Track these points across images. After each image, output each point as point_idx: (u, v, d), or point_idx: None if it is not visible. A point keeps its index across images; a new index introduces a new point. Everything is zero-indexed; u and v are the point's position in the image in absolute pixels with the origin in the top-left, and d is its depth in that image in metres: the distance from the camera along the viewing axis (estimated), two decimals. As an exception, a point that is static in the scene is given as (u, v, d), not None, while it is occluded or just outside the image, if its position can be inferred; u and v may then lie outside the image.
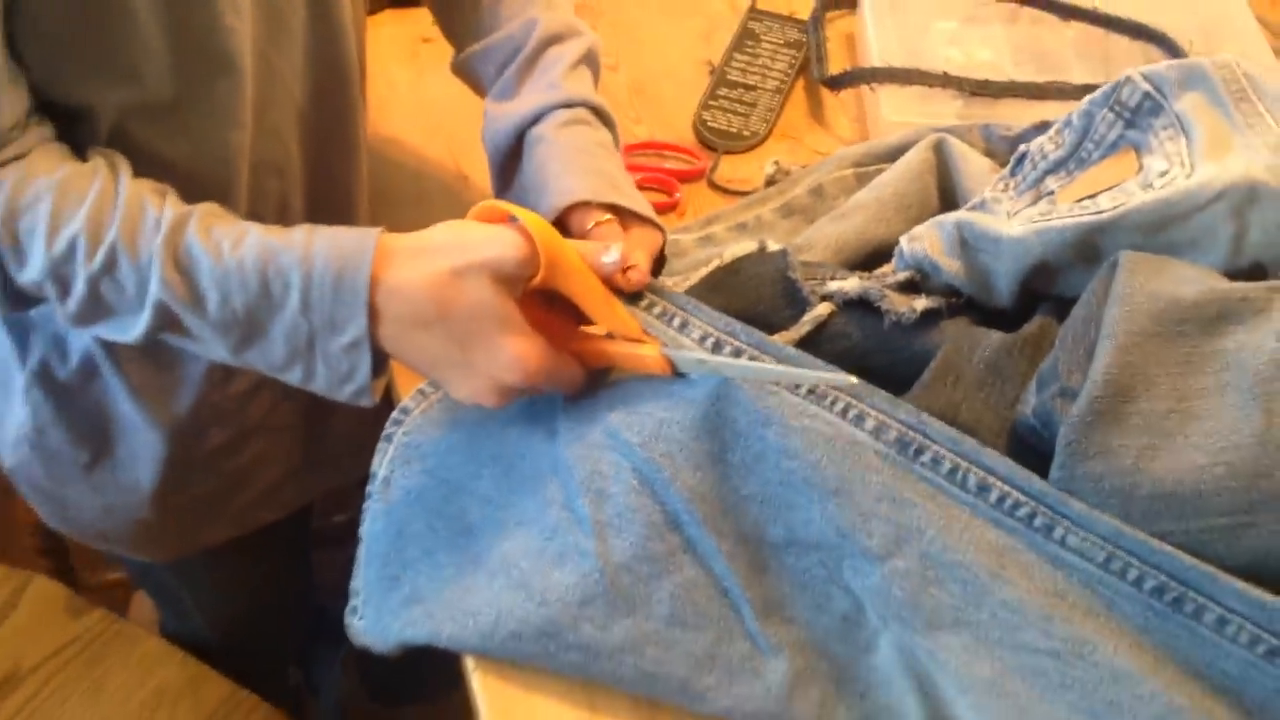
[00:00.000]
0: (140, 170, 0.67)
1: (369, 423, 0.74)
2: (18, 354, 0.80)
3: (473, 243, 0.63)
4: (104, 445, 0.83)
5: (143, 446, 0.82)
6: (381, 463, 0.74)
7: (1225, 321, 0.60)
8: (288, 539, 1.06)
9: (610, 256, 0.67)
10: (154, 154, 0.69)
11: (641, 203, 0.71)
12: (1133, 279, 0.62)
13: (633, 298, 0.69)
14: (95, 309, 0.65)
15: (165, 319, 0.64)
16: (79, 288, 0.63)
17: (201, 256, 0.63)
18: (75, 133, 0.67)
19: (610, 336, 0.69)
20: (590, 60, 0.78)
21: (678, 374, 0.67)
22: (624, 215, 0.70)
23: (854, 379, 0.61)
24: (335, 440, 0.92)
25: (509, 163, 0.76)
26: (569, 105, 0.74)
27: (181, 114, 0.69)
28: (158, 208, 0.64)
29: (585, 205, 0.69)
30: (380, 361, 0.65)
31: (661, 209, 0.92)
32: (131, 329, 0.65)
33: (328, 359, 0.64)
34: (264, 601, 1.10)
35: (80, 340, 0.78)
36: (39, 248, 0.63)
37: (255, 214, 0.75)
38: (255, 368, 0.67)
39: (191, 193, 0.67)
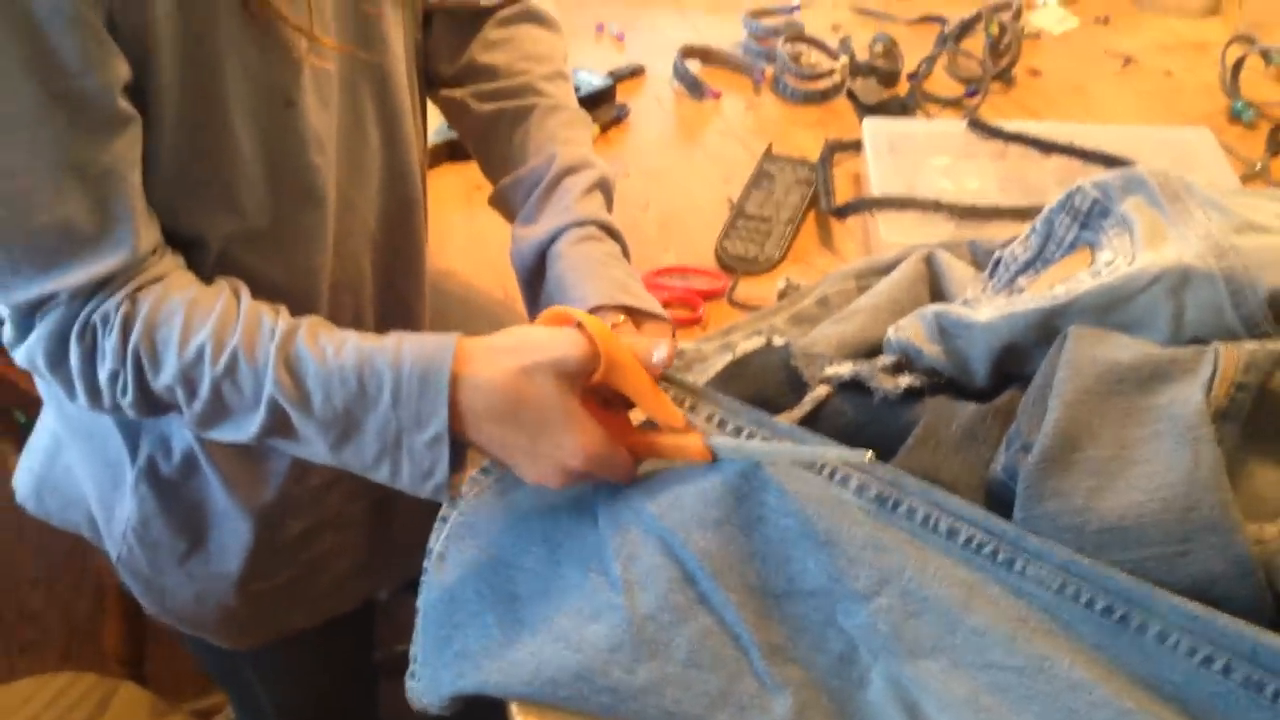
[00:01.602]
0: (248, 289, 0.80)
1: (429, 519, 0.84)
2: (129, 452, 0.92)
3: (540, 343, 0.74)
4: (199, 535, 0.94)
5: (232, 536, 0.93)
6: (437, 540, 0.84)
7: (1157, 380, 0.70)
8: (355, 634, 1.15)
9: (660, 354, 0.76)
10: (251, 276, 0.81)
11: (650, 300, 0.83)
12: (1078, 347, 0.72)
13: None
14: (217, 410, 0.75)
15: (277, 418, 0.74)
16: (204, 390, 0.74)
17: (309, 359, 0.74)
18: (188, 258, 0.80)
19: (657, 428, 0.78)
20: (603, 186, 0.90)
21: (715, 460, 0.76)
22: (635, 314, 0.81)
23: (868, 453, 0.70)
24: (399, 536, 1.02)
25: (534, 279, 0.88)
26: (580, 224, 0.86)
27: (275, 241, 0.82)
28: (272, 320, 0.75)
29: (600, 309, 0.81)
30: (457, 460, 0.75)
31: (686, 323, 1.04)
32: (247, 429, 0.75)
33: (413, 454, 0.74)
34: (332, 694, 1.18)
35: (183, 438, 0.90)
36: (172, 355, 0.74)
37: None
38: (349, 466, 0.76)
39: (285, 306, 0.79)
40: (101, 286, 0.74)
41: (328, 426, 0.74)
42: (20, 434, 1.22)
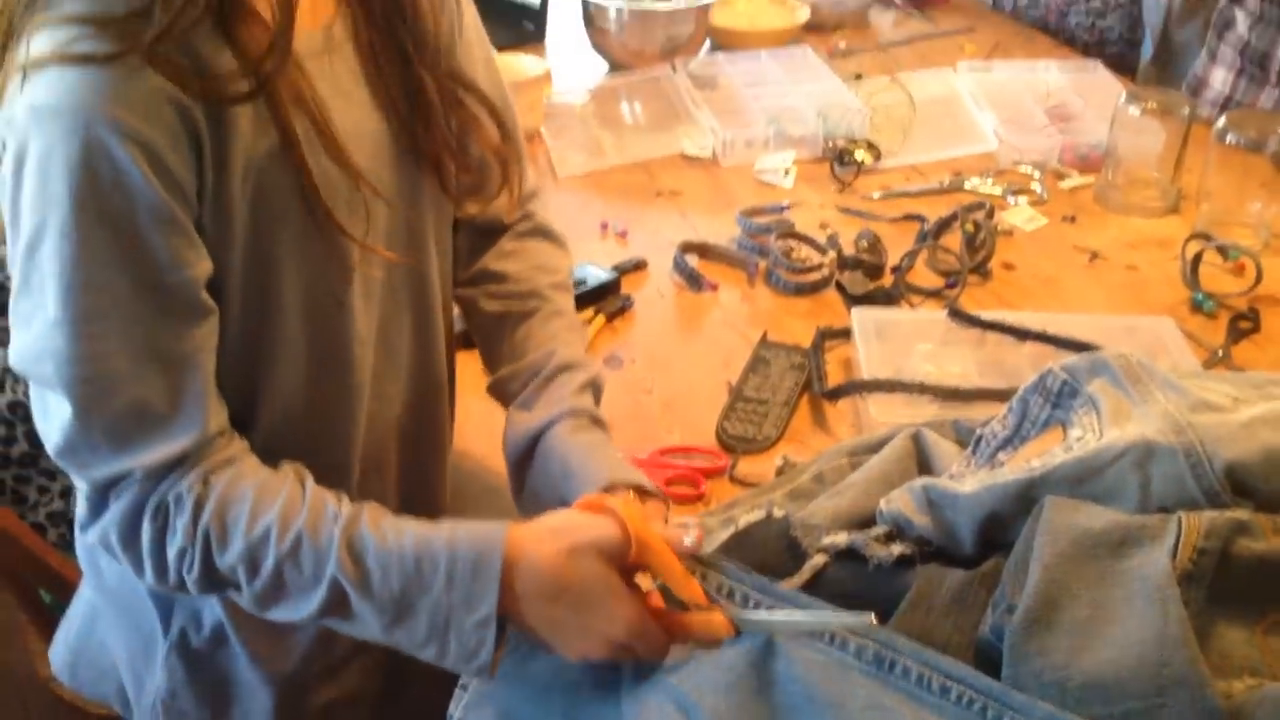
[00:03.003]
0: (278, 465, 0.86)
1: (441, 693, 0.88)
2: (162, 625, 0.96)
3: (581, 526, 0.80)
4: (224, 706, 0.97)
5: (255, 707, 0.97)
6: (457, 706, 0.88)
7: (1128, 545, 0.76)
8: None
9: (690, 538, 0.82)
10: (290, 454, 0.87)
11: (644, 478, 0.91)
12: (1055, 515, 0.79)
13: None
14: (277, 588, 0.80)
15: (336, 596, 0.79)
16: (267, 568, 0.79)
17: (370, 541, 0.79)
18: (237, 431, 0.86)
19: (684, 607, 0.82)
20: (594, 385, 0.99)
21: (738, 634, 0.81)
22: (640, 492, 0.89)
23: (870, 615, 0.76)
24: (412, 707, 1.06)
25: (523, 460, 0.95)
26: (576, 414, 0.94)
27: (311, 423, 0.90)
28: (336, 505, 0.81)
29: (613, 487, 0.88)
30: (499, 641, 0.80)
31: (690, 500, 1.10)
32: (306, 607, 0.80)
33: (461, 635, 0.79)
34: None
35: (213, 612, 0.95)
36: (240, 534, 0.79)
37: None
38: (398, 645, 0.81)
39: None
40: (174, 467, 0.80)
41: (384, 606, 0.79)
42: (46, 614, 1.26)
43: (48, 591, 1.28)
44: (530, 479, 0.95)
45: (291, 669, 0.96)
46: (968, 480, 0.90)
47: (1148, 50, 2.10)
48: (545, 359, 0.98)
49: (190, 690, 0.97)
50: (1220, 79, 1.82)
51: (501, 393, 1.01)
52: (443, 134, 0.91)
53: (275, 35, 0.77)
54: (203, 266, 0.79)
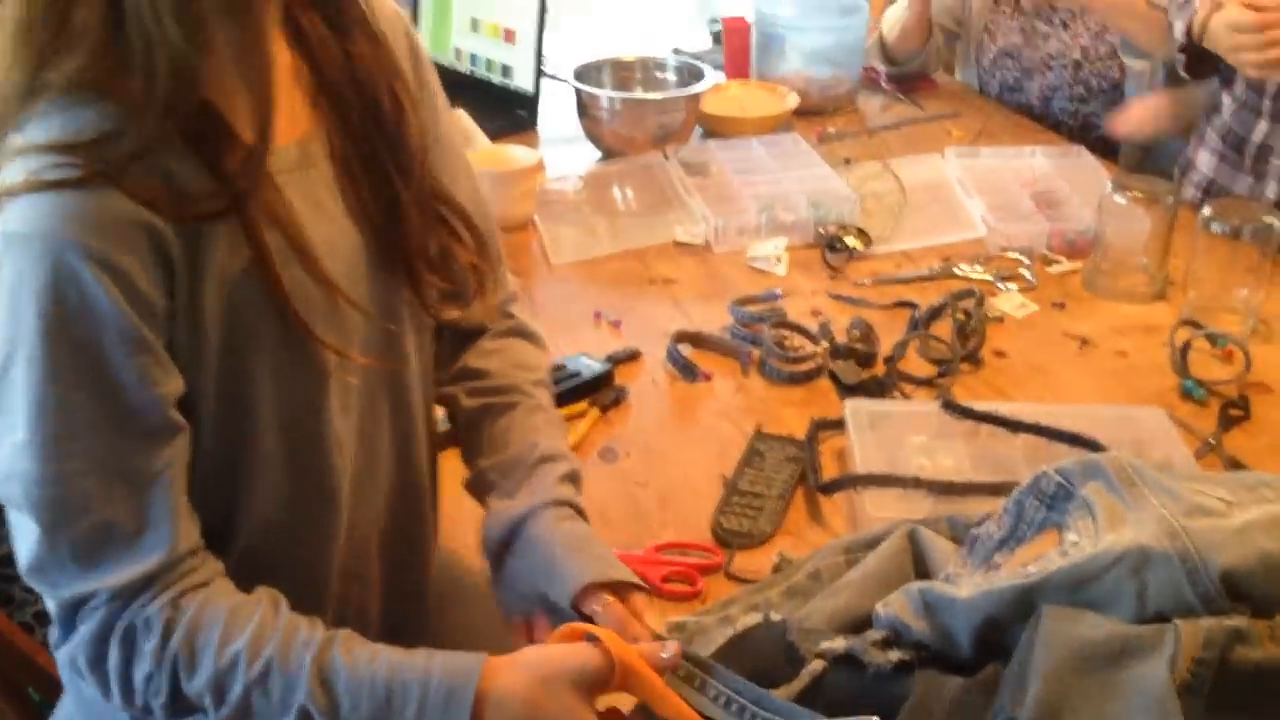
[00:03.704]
0: (260, 577, 0.86)
1: None
2: None
3: (556, 658, 0.81)
4: None
5: None
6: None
7: (1127, 656, 0.76)
8: None
9: (668, 653, 0.83)
10: (266, 564, 0.87)
11: (630, 573, 0.90)
12: (1053, 625, 0.79)
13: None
14: (244, 717, 0.79)
15: None
16: (235, 696, 0.79)
17: (341, 669, 0.79)
18: (214, 547, 0.85)
19: None
20: (574, 477, 0.99)
21: None
22: (622, 587, 0.89)
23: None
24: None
25: (501, 550, 0.95)
26: (559, 504, 0.94)
27: (290, 532, 0.89)
28: (309, 632, 0.81)
29: (593, 586, 0.88)
30: None
31: (685, 596, 1.10)
32: None
33: None
34: None
35: None
36: (209, 660, 0.79)
37: (340, 616, 0.93)
38: None
39: (292, 597, 0.84)
40: (143, 588, 0.80)
41: None
42: (34, 712, 1.24)
43: (35, 690, 1.27)
44: (508, 567, 0.94)
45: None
46: (964, 585, 0.90)
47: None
48: (528, 451, 0.98)
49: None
50: (1205, 162, 1.86)
51: (481, 484, 1.01)
52: (419, 245, 0.92)
53: (251, 155, 0.79)
54: (172, 385, 0.80)
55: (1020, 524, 0.94)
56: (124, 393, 0.77)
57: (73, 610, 0.81)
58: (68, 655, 0.82)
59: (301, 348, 0.85)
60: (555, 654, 0.81)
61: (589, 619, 0.87)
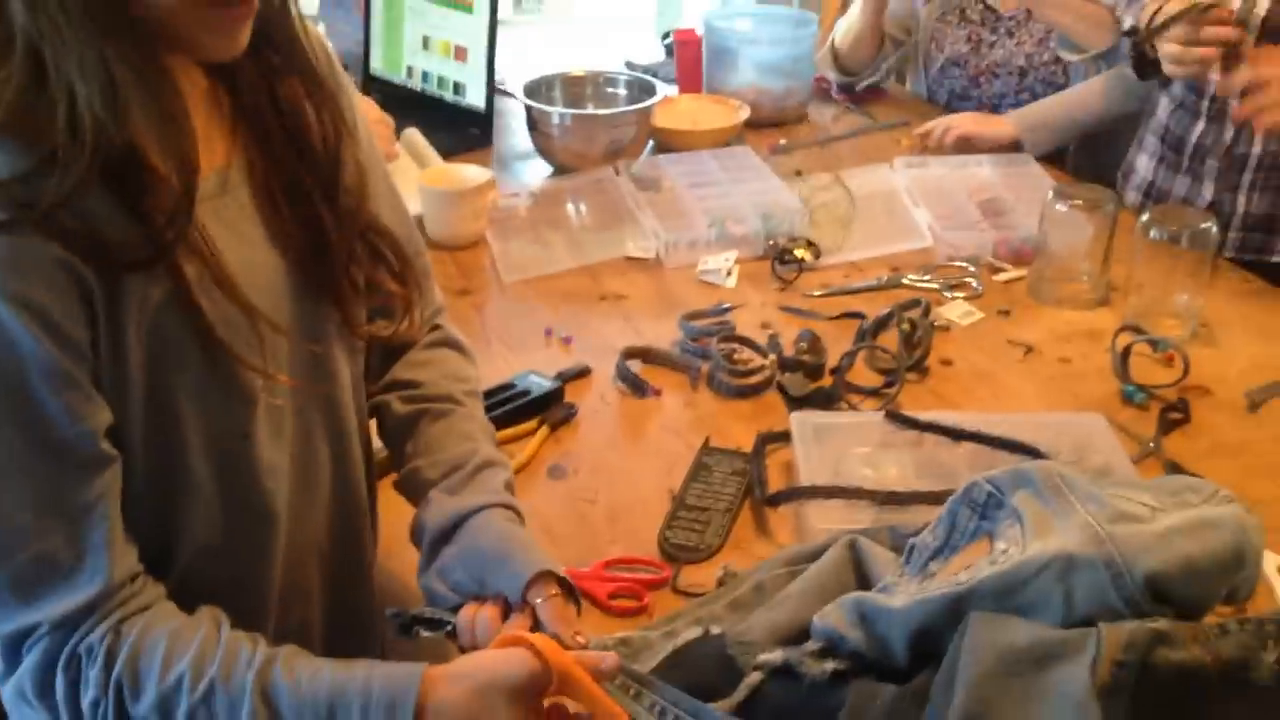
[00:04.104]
0: (200, 598, 0.86)
1: None
2: None
3: (493, 666, 0.82)
4: None
5: None
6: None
7: (1050, 660, 0.77)
8: None
9: (607, 664, 0.85)
10: (207, 586, 0.88)
11: (568, 578, 0.94)
12: (978, 632, 0.80)
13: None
14: None
15: None
16: (180, 716, 0.79)
17: (283, 688, 0.80)
18: (155, 571, 0.86)
19: None
20: (511, 486, 1.02)
21: None
22: (563, 586, 0.92)
23: None
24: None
25: (439, 537, 0.96)
26: (507, 507, 0.97)
27: (228, 555, 0.90)
28: (250, 650, 0.82)
29: (543, 575, 0.91)
30: None
31: (632, 611, 1.11)
32: None
33: None
34: None
35: None
36: (152, 684, 0.80)
37: (282, 633, 0.93)
38: None
39: (234, 616, 0.85)
40: (84, 617, 0.80)
41: None
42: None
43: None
44: (444, 556, 0.96)
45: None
46: (899, 594, 0.91)
47: (1075, 141, 2.17)
48: (468, 454, 1.00)
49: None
50: (1144, 165, 1.89)
51: (415, 482, 1.02)
52: (343, 269, 0.93)
53: (176, 210, 0.79)
54: (101, 417, 0.80)
55: (954, 533, 0.95)
56: (52, 428, 0.78)
57: (17, 643, 0.81)
58: (15, 686, 0.83)
59: (226, 372, 0.85)
60: (492, 662, 0.82)
61: (533, 607, 0.90)
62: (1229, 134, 1.73)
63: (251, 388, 0.88)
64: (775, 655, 0.89)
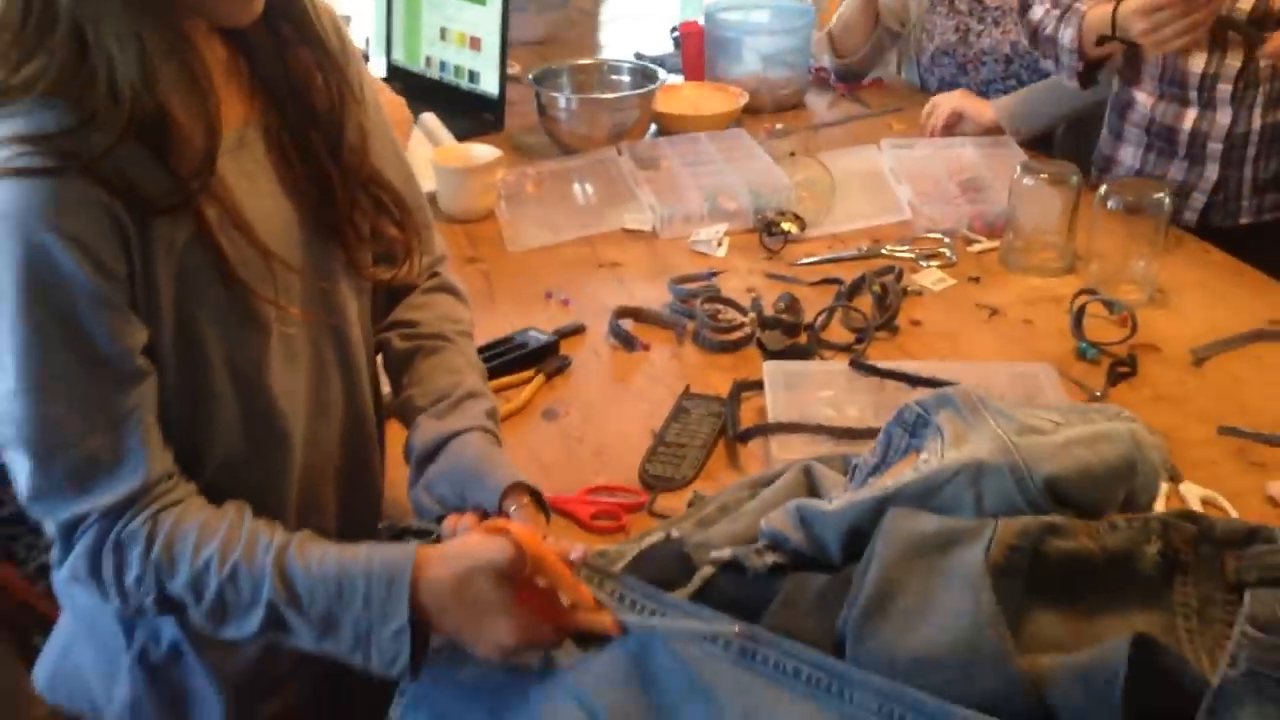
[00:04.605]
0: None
1: (383, 699, 1.00)
2: (126, 643, 1.09)
3: (479, 549, 0.94)
4: (182, 713, 1.10)
5: (209, 713, 1.09)
6: (396, 709, 1.01)
7: (952, 545, 0.89)
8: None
9: (576, 553, 0.98)
10: (234, 496, 1.01)
11: (539, 491, 1.08)
12: (893, 522, 0.92)
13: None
14: (221, 609, 0.94)
15: (273, 616, 0.93)
16: (210, 593, 0.93)
17: (297, 568, 0.93)
18: (187, 475, 0.99)
19: (576, 607, 0.96)
20: (493, 414, 1.14)
21: (624, 631, 0.94)
22: (534, 497, 1.06)
23: (735, 627, 0.89)
24: (356, 712, 1.17)
25: (425, 458, 1.10)
26: (486, 431, 1.10)
27: (249, 470, 1.03)
28: (269, 537, 0.95)
29: (518, 485, 1.04)
30: (420, 645, 0.93)
31: (611, 531, 1.24)
32: (249, 626, 0.94)
33: (380, 645, 0.92)
34: None
35: (171, 630, 1.07)
36: (185, 563, 0.93)
37: None
38: (330, 655, 0.94)
39: None
40: (126, 507, 0.93)
41: (313, 623, 0.93)
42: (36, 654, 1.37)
43: (41, 635, 1.40)
44: (429, 473, 1.09)
45: (241, 680, 1.09)
46: (835, 500, 1.03)
47: (1062, 125, 2.27)
48: (454, 385, 1.13)
49: (151, 699, 1.09)
50: (1130, 155, 1.96)
51: (408, 408, 1.15)
52: (348, 216, 1.06)
53: (200, 163, 0.92)
54: (138, 337, 0.93)
55: (889, 451, 1.07)
56: (95, 345, 0.91)
57: (70, 530, 0.94)
58: (69, 569, 0.96)
59: (243, 304, 0.98)
60: (476, 545, 0.94)
61: (507, 516, 1.03)
62: (1225, 116, 1.80)
63: (265, 318, 1.00)
64: (725, 552, 1.01)
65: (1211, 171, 1.85)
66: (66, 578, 0.97)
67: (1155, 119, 1.90)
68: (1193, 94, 1.83)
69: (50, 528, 0.95)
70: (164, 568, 0.93)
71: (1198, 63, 1.78)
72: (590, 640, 0.96)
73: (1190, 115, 1.84)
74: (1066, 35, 1.87)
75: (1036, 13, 1.95)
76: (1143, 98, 1.91)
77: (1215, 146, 1.83)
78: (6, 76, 0.87)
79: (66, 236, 0.87)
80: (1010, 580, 0.87)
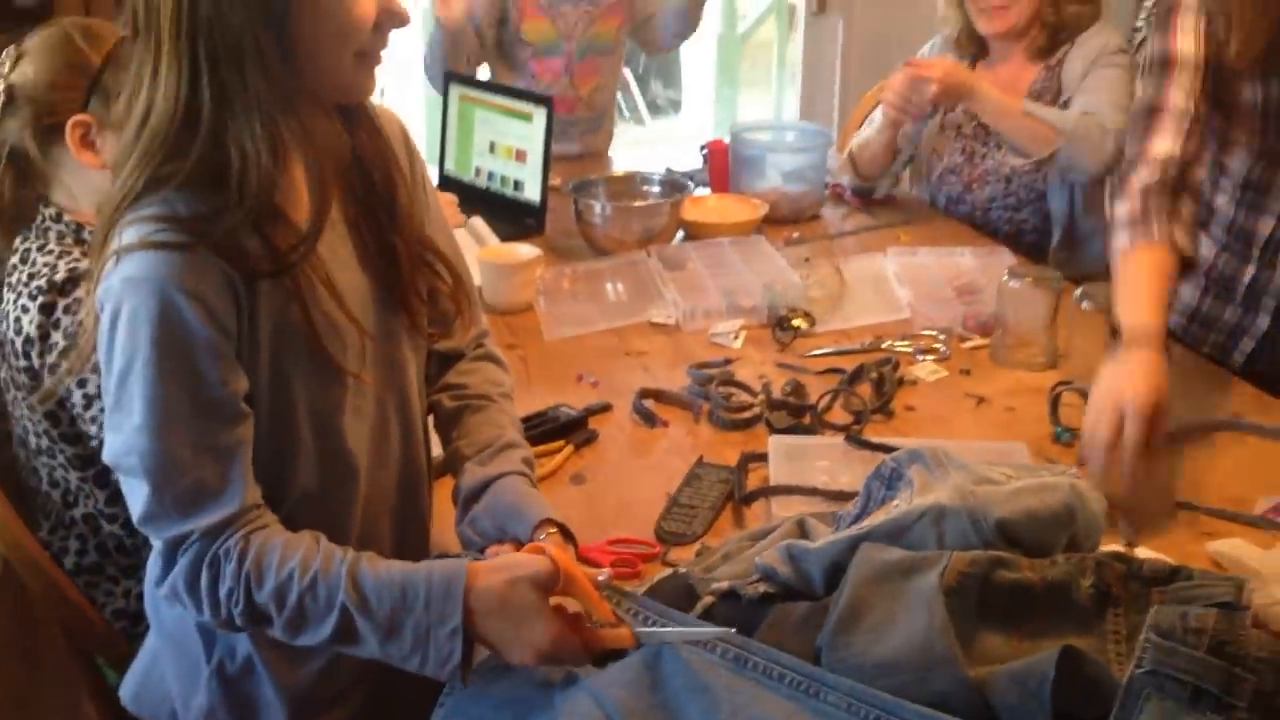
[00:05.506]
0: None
1: (427, 712, 1.16)
2: (205, 657, 1.25)
3: (521, 564, 1.11)
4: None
5: None
6: (436, 717, 1.17)
7: (913, 571, 1.05)
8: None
9: (602, 576, 1.14)
10: (307, 526, 1.18)
11: (567, 525, 1.24)
12: (864, 554, 1.08)
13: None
14: (300, 617, 1.09)
15: (344, 621, 1.08)
16: (292, 600, 1.09)
17: (368, 575, 1.09)
18: (270, 508, 1.17)
19: (599, 625, 1.12)
20: (530, 462, 1.32)
21: (638, 644, 1.10)
22: (562, 530, 1.22)
23: (731, 630, 1.06)
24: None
25: (471, 498, 1.27)
26: (524, 475, 1.28)
27: (322, 503, 1.21)
28: (343, 554, 1.11)
29: (548, 521, 1.21)
30: (469, 653, 1.09)
31: (627, 577, 1.40)
32: (322, 631, 1.09)
33: (437, 644, 1.08)
34: None
35: (245, 645, 1.23)
36: (271, 575, 1.09)
37: None
38: (391, 658, 1.09)
39: None
40: (223, 528, 1.10)
41: (379, 626, 1.08)
42: (103, 684, 1.53)
43: (110, 668, 1.56)
44: (475, 512, 1.27)
45: (304, 693, 1.25)
46: (820, 540, 1.20)
47: (1056, 238, 2.46)
48: (496, 437, 1.31)
49: (225, 708, 1.25)
50: (1188, 294, 1.99)
51: (455, 457, 1.33)
52: (411, 284, 1.25)
53: (306, 235, 1.11)
54: (241, 384, 1.11)
55: (870, 502, 1.24)
56: (209, 389, 1.09)
57: (174, 547, 1.11)
58: (170, 584, 1.12)
59: (324, 370, 1.17)
60: (519, 559, 1.12)
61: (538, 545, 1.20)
62: None
63: (344, 381, 1.19)
64: (724, 584, 1.17)
65: (1263, 322, 1.91)
66: (166, 593, 1.14)
67: (1218, 266, 1.94)
68: (1255, 251, 1.88)
69: (156, 544, 1.13)
70: (253, 580, 1.09)
71: (1266, 225, 1.85)
72: (608, 662, 1.12)
73: (1249, 270, 1.89)
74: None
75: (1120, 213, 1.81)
76: (1208, 243, 1.94)
77: (1269, 301, 1.88)
78: (152, 173, 1.08)
79: (193, 296, 1.06)
80: (962, 599, 1.03)
